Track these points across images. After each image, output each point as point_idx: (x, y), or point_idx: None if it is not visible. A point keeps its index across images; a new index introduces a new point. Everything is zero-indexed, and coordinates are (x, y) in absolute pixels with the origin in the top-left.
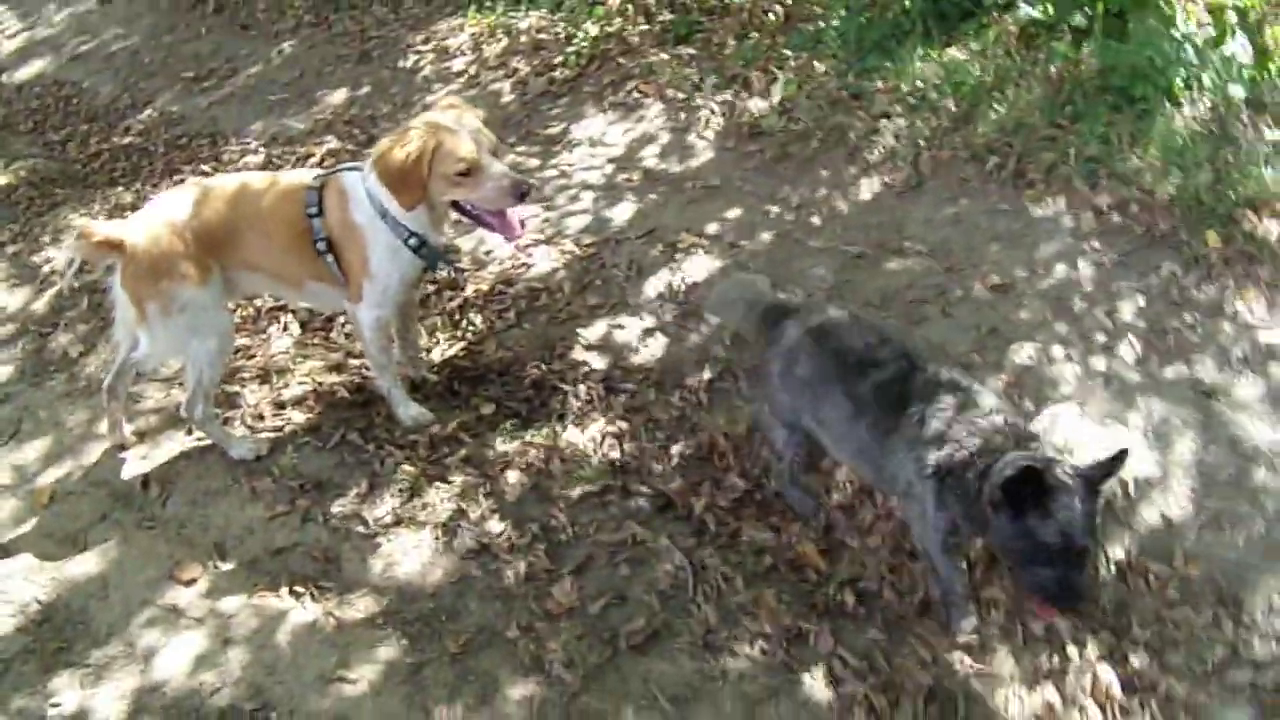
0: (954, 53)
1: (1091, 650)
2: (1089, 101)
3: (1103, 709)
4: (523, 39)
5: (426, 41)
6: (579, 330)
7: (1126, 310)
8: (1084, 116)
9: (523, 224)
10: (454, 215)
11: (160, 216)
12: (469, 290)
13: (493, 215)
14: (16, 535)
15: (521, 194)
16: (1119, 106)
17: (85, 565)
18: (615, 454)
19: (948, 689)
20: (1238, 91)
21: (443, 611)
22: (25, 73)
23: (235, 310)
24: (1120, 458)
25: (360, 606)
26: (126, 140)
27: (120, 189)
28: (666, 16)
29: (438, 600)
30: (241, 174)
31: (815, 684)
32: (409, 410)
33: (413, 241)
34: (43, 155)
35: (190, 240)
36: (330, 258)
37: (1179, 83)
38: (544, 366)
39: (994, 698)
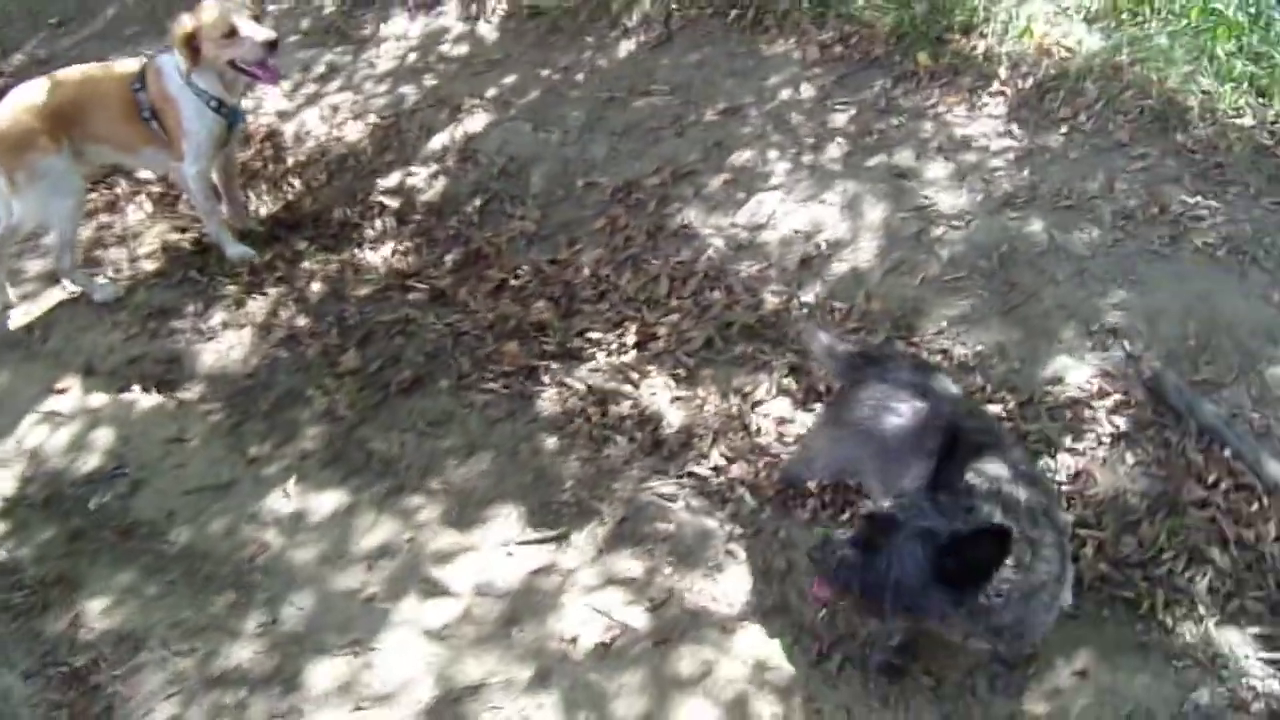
0: None
1: (779, 370)
2: None
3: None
4: None
5: None
6: (378, 181)
7: (838, 119)
8: None
9: (280, 73)
10: (232, 74)
11: (18, 103)
12: (289, 161)
13: (256, 67)
14: None
15: (270, 44)
16: None
17: None
18: (400, 265)
19: (654, 411)
20: None
21: (258, 385)
22: None
23: (92, 188)
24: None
25: (194, 390)
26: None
27: None
28: None
29: (255, 378)
30: (83, 65)
31: (545, 405)
32: (234, 249)
33: (213, 104)
34: None
35: (45, 118)
36: (155, 124)
37: None
38: (348, 211)
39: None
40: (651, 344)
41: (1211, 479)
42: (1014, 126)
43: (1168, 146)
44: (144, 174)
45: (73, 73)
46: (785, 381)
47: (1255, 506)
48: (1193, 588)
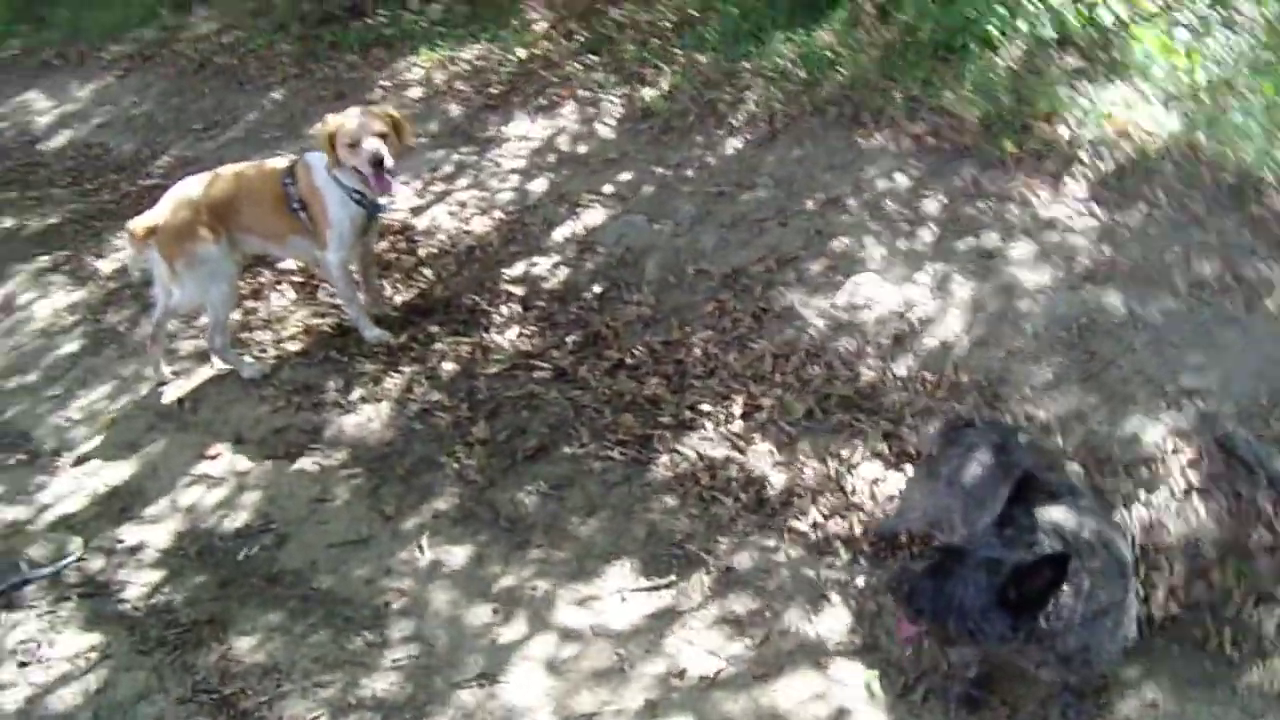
0: (822, 34)
1: (874, 436)
2: (918, 56)
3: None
4: (465, 66)
5: (390, 79)
6: (504, 271)
7: (929, 206)
8: (912, 68)
9: (391, 185)
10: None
11: (179, 197)
12: (421, 252)
13: (372, 175)
14: (89, 448)
15: (376, 161)
16: (945, 58)
17: (140, 460)
18: (526, 346)
19: (759, 474)
20: (1047, 32)
21: (394, 453)
22: (59, 140)
23: (242, 272)
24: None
25: (336, 457)
26: (150, 182)
27: None
28: (583, 36)
29: (392, 446)
30: (239, 164)
31: (658, 470)
32: (372, 332)
33: (355, 196)
34: (81, 201)
35: (203, 210)
36: (302, 215)
37: (993, 30)
38: (477, 298)
39: (791, 476)
40: (756, 414)
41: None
42: (1094, 206)
43: (1242, 219)
44: (286, 264)
45: (228, 170)
46: (879, 446)
47: None
48: (1260, 627)
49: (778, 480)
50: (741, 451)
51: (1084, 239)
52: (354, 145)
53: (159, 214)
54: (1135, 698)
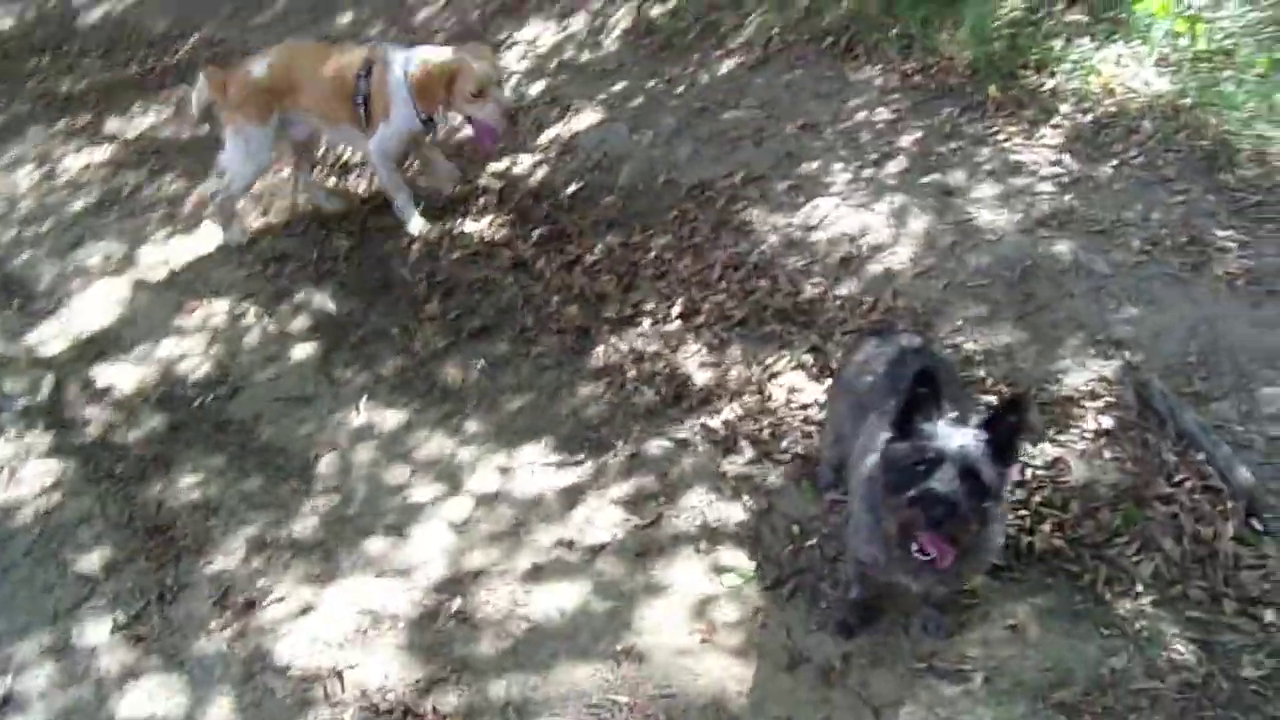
0: None
1: (801, 348)
2: None
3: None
4: None
5: None
6: (489, 166)
7: (904, 141)
8: (914, 6)
9: (496, 139)
10: (461, 120)
11: (247, 71)
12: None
13: (485, 128)
14: (79, 299)
15: (511, 117)
16: (950, 2)
17: (123, 313)
18: (492, 236)
19: (683, 372)
20: None
21: (352, 322)
22: (95, 14)
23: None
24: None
25: (297, 323)
26: (176, 59)
27: (167, 90)
28: None
29: (350, 316)
30: (319, 43)
31: (590, 360)
32: (414, 222)
33: (421, 115)
34: (109, 72)
35: (264, 90)
36: (362, 110)
37: None
38: (458, 188)
39: (715, 376)
40: (694, 317)
41: (1180, 478)
42: (1065, 156)
43: (1211, 184)
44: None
45: (308, 48)
46: (805, 358)
47: (1218, 508)
48: (1137, 570)
49: (701, 379)
50: (673, 350)
51: (1047, 187)
52: (480, 94)
53: (230, 77)
54: (998, 621)
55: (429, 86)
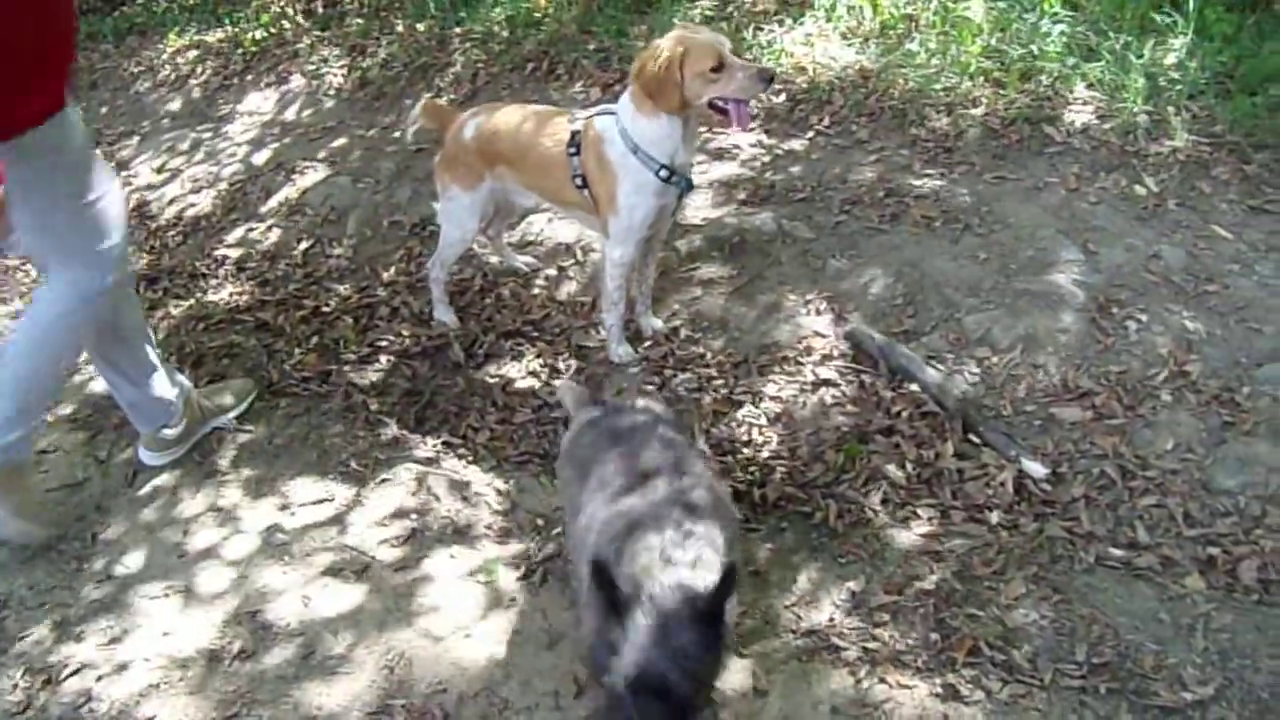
0: None
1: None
2: (615, 10)
3: None
4: (209, 49)
5: (140, 65)
6: (224, 237)
7: None
8: (609, 22)
9: (752, 115)
10: (703, 122)
11: (463, 129)
12: (152, 225)
13: (738, 107)
14: None
15: (769, 78)
16: (643, 10)
17: None
18: (235, 303)
19: (425, 398)
20: None
21: (110, 405)
22: None
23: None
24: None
25: (61, 412)
26: None
27: None
28: (315, 14)
29: (109, 399)
30: (523, 108)
31: (334, 401)
32: (621, 349)
33: (663, 173)
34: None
35: (473, 153)
36: (586, 191)
37: None
38: (197, 264)
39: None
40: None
41: (897, 410)
42: (763, 137)
43: (904, 139)
44: None
45: (512, 116)
46: (535, 365)
47: (937, 431)
48: (867, 500)
49: (441, 401)
50: (409, 379)
51: (748, 169)
52: (720, 68)
53: (450, 128)
54: (744, 569)
55: (655, 91)
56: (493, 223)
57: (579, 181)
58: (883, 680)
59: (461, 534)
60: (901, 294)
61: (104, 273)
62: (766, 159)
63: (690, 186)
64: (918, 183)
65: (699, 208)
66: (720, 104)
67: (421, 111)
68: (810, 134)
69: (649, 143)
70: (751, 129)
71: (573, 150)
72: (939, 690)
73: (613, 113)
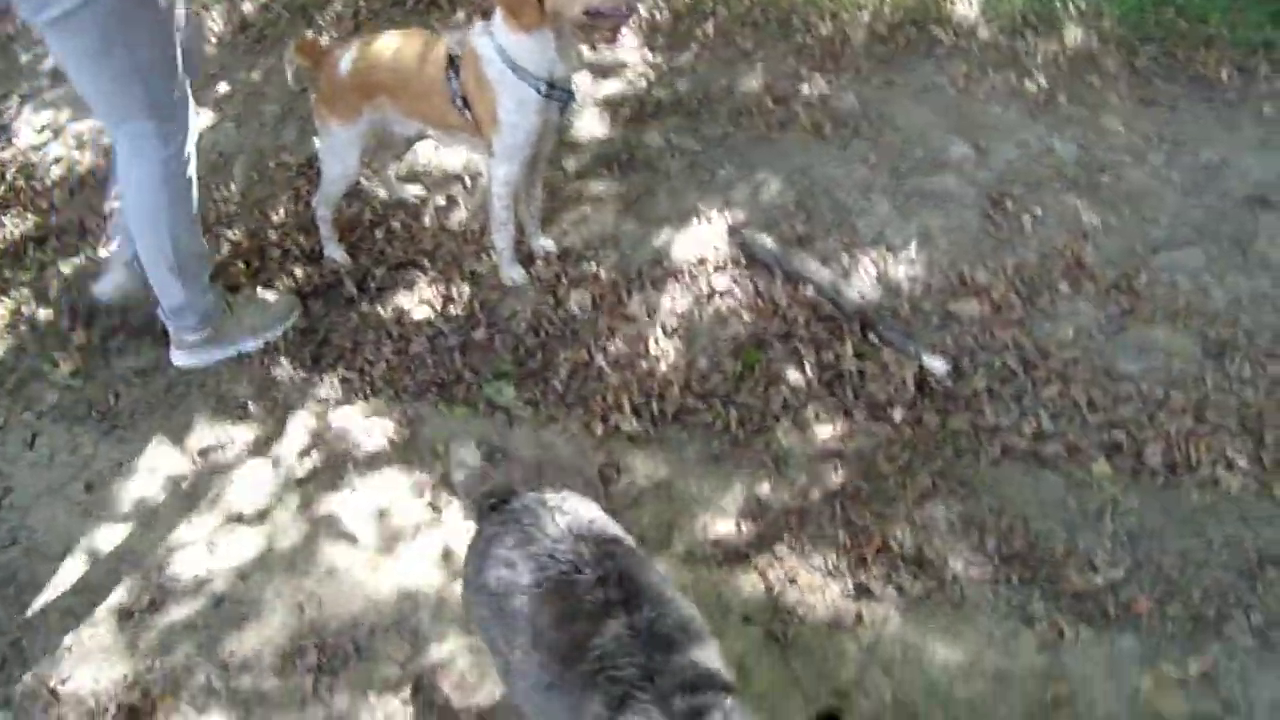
0: None
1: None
2: None
3: None
4: None
5: (12, 26)
6: (111, 191)
7: None
8: None
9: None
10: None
11: (338, 64)
12: (39, 186)
13: (613, 7)
14: None
15: None
16: None
17: None
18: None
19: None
20: None
21: (4, 368)
22: None
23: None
24: None
25: None
26: None
27: None
28: None
29: (2, 363)
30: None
31: None
32: (513, 270)
33: (542, 88)
34: None
35: (349, 87)
36: (468, 113)
37: None
38: (87, 221)
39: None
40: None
41: (794, 315)
42: (647, 53)
43: (789, 47)
44: None
45: (387, 43)
46: (427, 294)
47: (834, 333)
48: (766, 406)
49: (336, 338)
50: (304, 318)
51: (633, 87)
52: None
53: (322, 62)
54: (648, 482)
55: (516, 5)
56: (377, 155)
57: (460, 104)
58: (793, 583)
59: (364, 467)
60: (793, 201)
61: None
62: (653, 75)
63: (571, 98)
64: (805, 90)
65: (586, 126)
66: (595, 12)
67: (295, 51)
68: (695, 47)
69: (526, 59)
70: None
71: (451, 73)
72: (851, 590)
73: (490, 33)
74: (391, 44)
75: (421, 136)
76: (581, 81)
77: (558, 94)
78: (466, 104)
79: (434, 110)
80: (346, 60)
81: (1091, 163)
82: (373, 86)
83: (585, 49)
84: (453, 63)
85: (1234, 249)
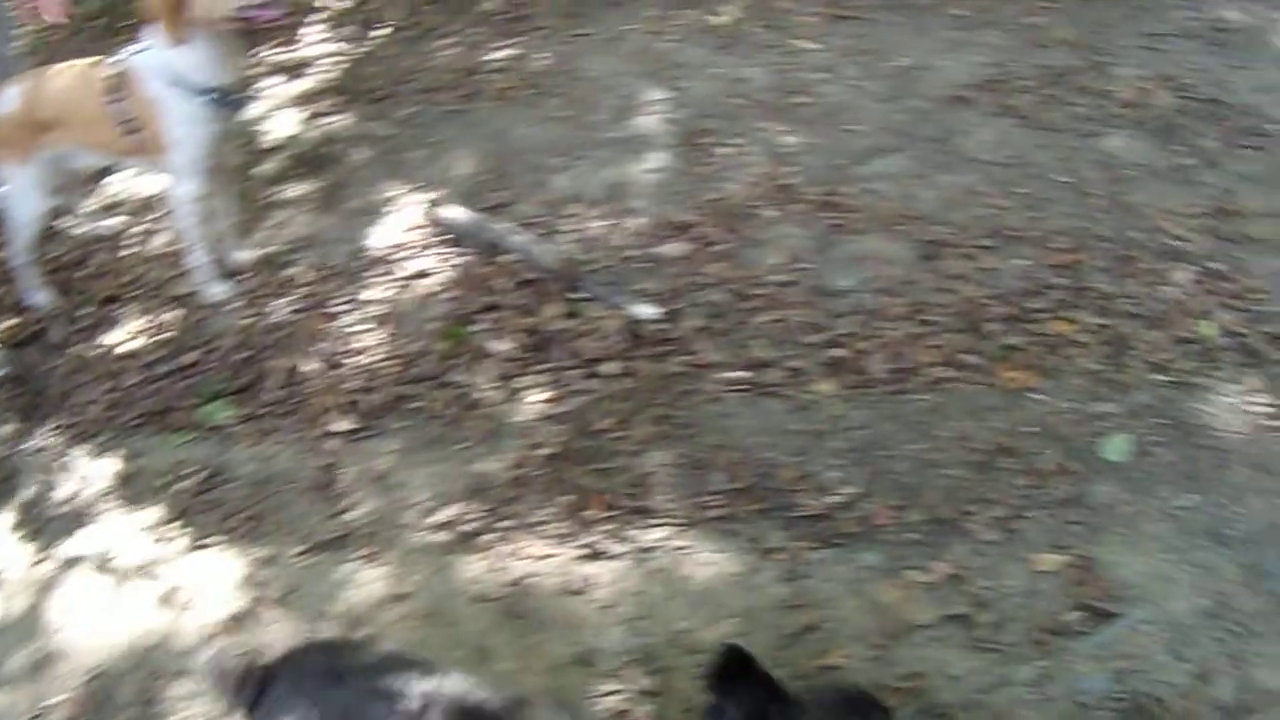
0: None
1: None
2: None
3: None
4: None
5: None
6: None
7: None
8: None
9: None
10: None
11: (1, 105)
12: None
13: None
14: None
15: None
16: None
17: None
18: None
19: None
20: None
21: None
22: None
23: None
24: None
25: None
26: None
27: None
28: None
29: None
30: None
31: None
32: (214, 288)
33: (209, 98)
34: None
35: (18, 126)
36: (138, 135)
37: None
38: None
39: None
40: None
41: (497, 285)
42: (337, 44)
43: (475, 18)
44: None
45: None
46: (137, 325)
47: (539, 297)
48: (476, 381)
49: (50, 384)
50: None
51: (325, 79)
52: None
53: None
54: (363, 473)
55: (167, 16)
56: (63, 191)
57: (129, 127)
58: (522, 555)
59: (85, 514)
60: (488, 169)
61: None
62: (343, 65)
63: (240, 106)
64: (493, 57)
65: (276, 127)
66: (244, 13)
67: None
68: (382, 32)
69: (186, 70)
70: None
71: (116, 97)
72: (581, 553)
73: (145, 50)
74: (53, 78)
75: (110, 166)
76: (272, 84)
77: (226, 101)
78: (135, 127)
79: (104, 138)
80: (8, 100)
81: (786, 85)
82: (40, 123)
83: (274, 49)
84: (115, 86)
85: (937, 149)
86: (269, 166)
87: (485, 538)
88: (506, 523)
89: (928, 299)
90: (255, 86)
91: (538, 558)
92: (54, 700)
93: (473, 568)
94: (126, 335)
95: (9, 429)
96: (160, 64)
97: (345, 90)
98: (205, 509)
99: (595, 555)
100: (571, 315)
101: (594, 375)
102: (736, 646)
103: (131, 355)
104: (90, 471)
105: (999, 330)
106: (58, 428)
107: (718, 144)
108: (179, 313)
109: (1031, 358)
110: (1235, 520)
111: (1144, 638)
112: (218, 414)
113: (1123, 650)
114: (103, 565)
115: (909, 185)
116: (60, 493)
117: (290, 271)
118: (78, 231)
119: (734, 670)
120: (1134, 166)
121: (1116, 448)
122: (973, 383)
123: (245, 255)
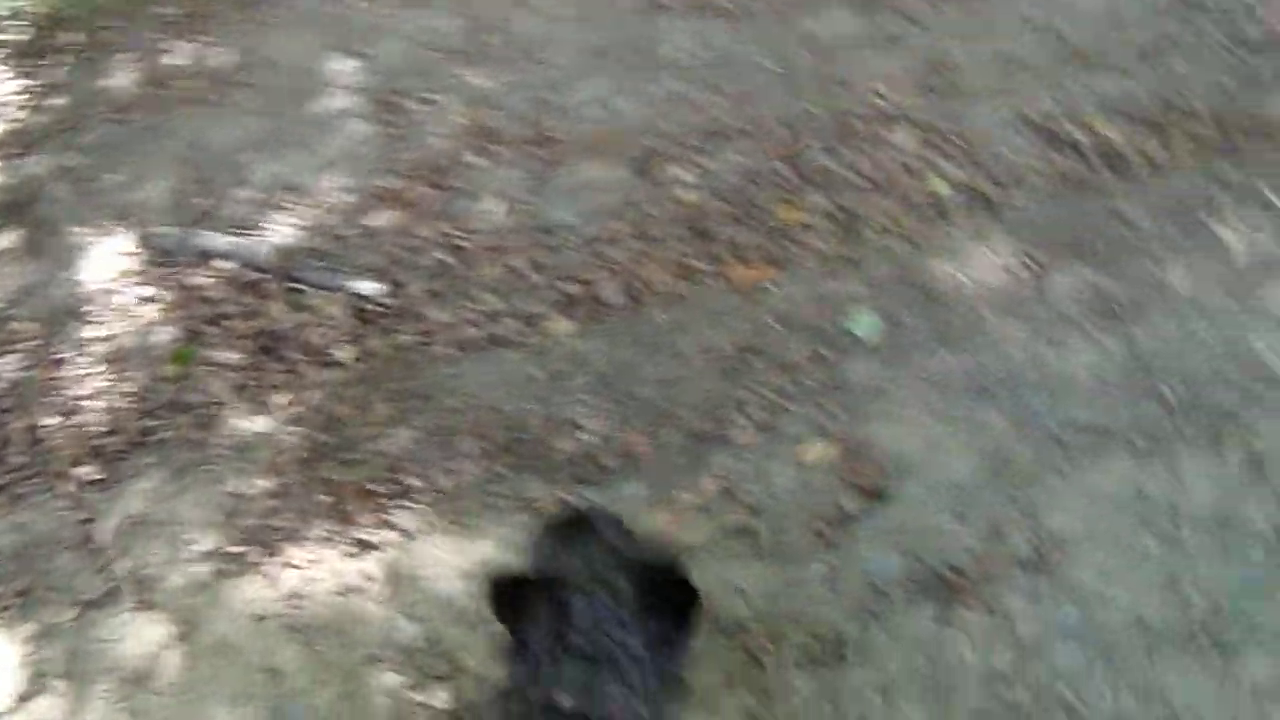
0: None
1: None
2: None
3: None
4: None
5: None
6: None
7: None
8: None
9: None
10: None
11: None
12: None
13: None
14: None
15: None
16: None
17: None
18: None
19: None
20: None
21: None
22: None
23: None
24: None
25: None
26: None
27: None
28: None
29: None
30: None
31: None
32: None
33: None
34: None
35: None
36: None
37: None
38: None
39: None
40: None
41: (216, 295)
42: (17, 80)
43: (151, 25)
44: None
45: None
46: None
47: (260, 296)
48: (212, 397)
49: None
50: None
51: (8, 119)
52: None
53: None
54: (123, 518)
55: None
56: None
57: None
58: (292, 566)
59: None
60: (189, 178)
61: None
62: (26, 103)
63: None
64: (177, 63)
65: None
66: None
67: None
68: (64, 58)
69: None
70: None
71: None
72: (350, 550)
73: None
74: None
75: None
76: None
77: None
78: None
79: None
80: None
81: (477, 29)
82: None
83: None
84: None
85: (639, 62)
86: None
87: (251, 557)
88: (271, 536)
89: (650, 214)
90: None
91: (308, 564)
92: None
93: (246, 590)
94: None
95: None
96: None
97: (32, 128)
98: None
99: (364, 549)
100: (297, 308)
101: (329, 364)
102: (503, 571)
103: None
104: None
105: (726, 232)
106: None
107: (415, 103)
108: None
109: (763, 252)
110: (995, 371)
111: (926, 509)
112: None
113: (907, 526)
114: None
115: (615, 104)
116: None
117: (11, 326)
118: None
119: (517, 592)
120: (842, 41)
121: (864, 324)
122: (708, 290)
123: None
